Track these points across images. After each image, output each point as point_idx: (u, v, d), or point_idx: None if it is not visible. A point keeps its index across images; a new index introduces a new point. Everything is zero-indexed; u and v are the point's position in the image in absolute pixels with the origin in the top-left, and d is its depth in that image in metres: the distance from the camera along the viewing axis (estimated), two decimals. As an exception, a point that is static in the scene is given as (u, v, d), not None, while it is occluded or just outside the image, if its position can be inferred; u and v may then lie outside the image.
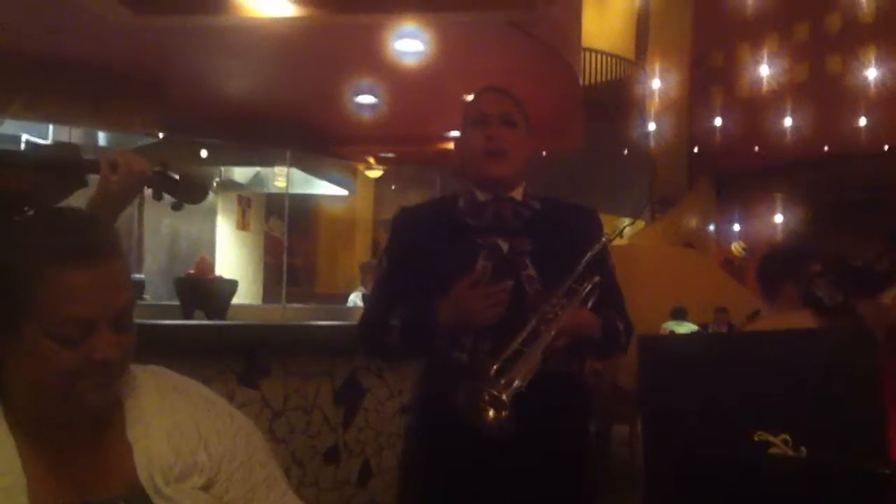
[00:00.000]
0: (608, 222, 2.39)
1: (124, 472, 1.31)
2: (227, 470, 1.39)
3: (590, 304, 2.03)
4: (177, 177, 1.92)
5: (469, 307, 1.97)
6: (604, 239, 2.13)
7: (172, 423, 1.37)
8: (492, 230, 2.13)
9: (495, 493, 2.02)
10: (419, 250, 2.11)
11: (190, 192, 1.98)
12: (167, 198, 1.96)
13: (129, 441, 1.33)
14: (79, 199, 1.82)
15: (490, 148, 2.13)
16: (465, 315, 1.98)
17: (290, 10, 6.66)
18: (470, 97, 2.29)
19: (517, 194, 2.19)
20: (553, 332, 1.89)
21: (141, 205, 9.02)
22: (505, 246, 2.11)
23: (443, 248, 2.09)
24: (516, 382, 1.79)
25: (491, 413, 1.78)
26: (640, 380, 1.76)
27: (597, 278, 2.04)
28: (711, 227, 18.63)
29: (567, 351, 2.01)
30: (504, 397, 1.76)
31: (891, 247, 2.37)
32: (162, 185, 1.92)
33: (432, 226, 2.19)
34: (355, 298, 7.80)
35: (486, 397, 1.78)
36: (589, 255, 2.04)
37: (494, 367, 1.83)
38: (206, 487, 1.37)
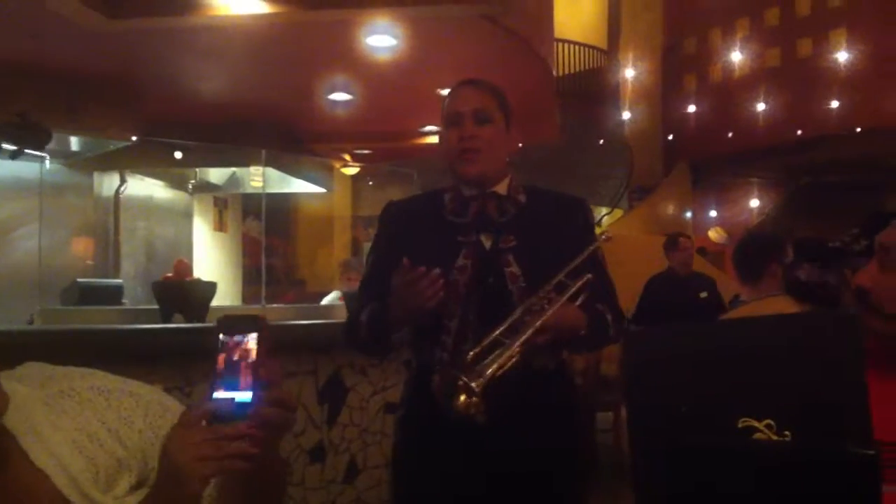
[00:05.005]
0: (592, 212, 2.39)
1: (53, 501, 1.20)
2: (152, 457, 1.28)
3: (580, 300, 2.01)
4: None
5: (401, 298, 1.96)
6: (603, 237, 2.13)
7: (76, 431, 1.26)
8: (474, 227, 2.11)
9: (483, 491, 2.02)
10: (402, 247, 2.09)
11: (30, 136, 1.87)
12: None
13: (40, 469, 1.21)
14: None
15: (463, 148, 2.11)
16: (402, 306, 1.97)
17: (262, 8, 6.63)
18: (446, 92, 2.26)
19: (502, 188, 2.17)
20: (536, 325, 1.87)
21: (117, 209, 8.97)
22: (488, 243, 2.10)
23: (424, 247, 2.07)
24: (489, 372, 1.76)
25: (461, 400, 1.76)
26: (625, 371, 1.76)
27: (588, 276, 2.02)
28: (688, 214, 18.72)
29: (550, 348, 2.00)
30: (474, 385, 1.73)
31: (867, 228, 2.38)
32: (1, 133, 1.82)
33: (416, 223, 2.18)
34: (334, 297, 7.74)
35: (459, 384, 1.76)
36: (585, 253, 2.03)
37: (471, 353, 1.81)
38: (141, 484, 1.28)
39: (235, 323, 1.23)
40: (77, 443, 1.24)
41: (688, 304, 6.22)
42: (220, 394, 1.19)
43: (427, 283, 1.90)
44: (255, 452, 1.17)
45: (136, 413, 1.32)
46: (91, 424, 1.27)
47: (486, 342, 1.83)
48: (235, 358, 1.20)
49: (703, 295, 6.45)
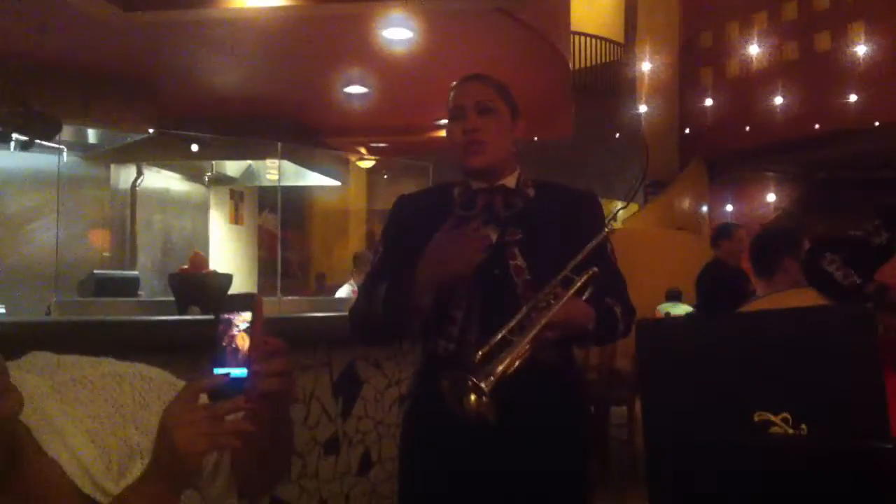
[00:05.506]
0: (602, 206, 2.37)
1: (65, 493, 1.21)
2: None
3: (586, 294, 2.00)
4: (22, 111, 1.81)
5: (443, 253, 1.95)
6: (605, 230, 2.11)
7: (89, 420, 1.25)
8: (481, 220, 2.12)
9: (490, 485, 2.02)
10: (412, 241, 2.09)
11: (39, 126, 1.88)
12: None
13: (52, 459, 1.21)
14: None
15: (468, 140, 2.12)
16: (440, 262, 1.95)
17: (278, 1, 6.64)
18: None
19: (510, 182, 2.17)
20: (543, 322, 1.86)
21: (134, 203, 9.02)
22: (494, 236, 2.10)
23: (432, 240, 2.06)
24: (499, 370, 1.76)
25: (471, 400, 1.76)
26: (639, 364, 1.75)
27: (594, 269, 2.01)
28: (704, 209, 18.63)
29: (558, 343, 2.00)
30: (484, 386, 1.73)
31: (888, 221, 2.36)
32: (7, 123, 1.84)
33: (426, 217, 2.17)
34: (348, 290, 7.76)
35: (468, 384, 1.76)
36: (589, 246, 2.02)
37: (479, 353, 1.81)
38: None
39: (231, 302, 1.26)
40: (91, 432, 1.24)
41: (744, 298, 6.03)
42: (219, 370, 1.21)
43: (473, 242, 1.95)
44: (250, 430, 1.19)
45: (151, 395, 1.33)
46: (104, 411, 1.27)
47: (493, 341, 1.83)
48: (232, 335, 1.23)
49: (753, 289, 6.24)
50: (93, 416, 1.26)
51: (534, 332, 1.84)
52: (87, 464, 1.22)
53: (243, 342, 1.23)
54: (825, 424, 1.38)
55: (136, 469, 1.25)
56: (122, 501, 1.20)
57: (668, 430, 1.58)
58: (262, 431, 1.25)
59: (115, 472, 1.24)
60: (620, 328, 2.11)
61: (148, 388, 1.34)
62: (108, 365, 1.36)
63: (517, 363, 1.79)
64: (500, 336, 1.84)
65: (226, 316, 1.24)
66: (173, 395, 1.28)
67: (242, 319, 1.24)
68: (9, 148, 5.82)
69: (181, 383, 1.38)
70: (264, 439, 1.30)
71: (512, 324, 1.86)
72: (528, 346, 1.82)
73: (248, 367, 1.21)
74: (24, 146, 1.79)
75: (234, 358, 1.22)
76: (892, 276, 1.60)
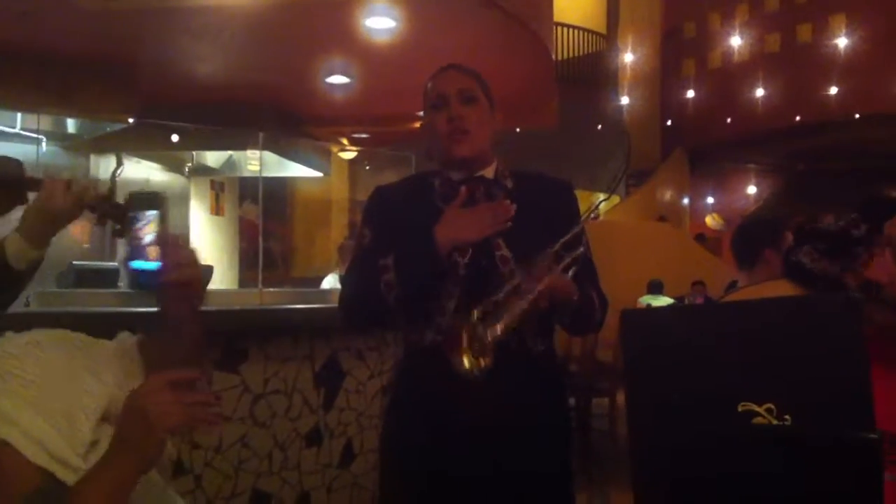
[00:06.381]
0: (584, 198, 2.37)
1: (23, 470, 1.20)
2: (102, 394, 1.32)
3: (570, 273, 2.00)
4: (121, 203, 1.87)
5: (462, 223, 1.99)
6: (593, 215, 2.12)
7: (22, 388, 1.24)
8: None
9: (471, 480, 2.01)
10: (394, 235, 2.07)
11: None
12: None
13: (3, 441, 1.21)
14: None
15: (453, 129, 2.10)
16: (459, 229, 1.98)
17: (259, -10, 6.59)
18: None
19: (489, 172, 2.17)
20: (538, 289, 1.86)
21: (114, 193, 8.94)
22: None
23: (417, 234, 2.03)
24: (500, 327, 1.77)
25: (470, 356, 1.76)
26: (624, 353, 1.75)
27: (581, 249, 2.02)
28: (685, 201, 18.69)
29: (542, 329, 2.03)
30: (489, 337, 1.75)
31: (866, 213, 2.37)
32: (106, 211, 1.89)
33: (407, 210, 2.15)
34: (332, 280, 7.73)
35: (465, 336, 1.77)
36: (577, 228, 2.02)
37: (477, 311, 1.81)
38: (105, 419, 1.30)
39: (141, 201, 1.32)
40: (32, 403, 1.24)
41: None
42: (135, 263, 1.29)
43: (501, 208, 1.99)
44: (217, 424, 1.24)
45: (77, 352, 1.36)
46: (37, 375, 1.27)
47: (490, 301, 1.84)
48: (145, 232, 1.30)
49: None
50: (27, 382, 1.26)
51: (531, 294, 1.86)
52: (46, 440, 1.22)
53: (153, 239, 1.30)
54: (810, 414, 1.37)
55: (82, 424, 1.26)
56: (86, 485, 1.20)
57: (652, 419, 1.58)
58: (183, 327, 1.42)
59: (66, 433, 1.24)
60: (597, 316, 2.12)
61: (73, 346, 1.36)
62: (20, 337, 1.36)
63: (514, 326, 1.82)
64: (495, 299, 1.84)
65: (133, 215, 1.29)
66: (101, 351, 1.34)
67: (152, 219, 1.30)
68: None
69: (104, 342, 1.44)
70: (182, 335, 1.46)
71: (507, 289, 1.88)
72: (524, 310, 1.83)
73: (160, 261, 1.27)
74: (116, 233, 1.82)
75: (146, 254, 1.29)
76: (883, 274, 1.59)
